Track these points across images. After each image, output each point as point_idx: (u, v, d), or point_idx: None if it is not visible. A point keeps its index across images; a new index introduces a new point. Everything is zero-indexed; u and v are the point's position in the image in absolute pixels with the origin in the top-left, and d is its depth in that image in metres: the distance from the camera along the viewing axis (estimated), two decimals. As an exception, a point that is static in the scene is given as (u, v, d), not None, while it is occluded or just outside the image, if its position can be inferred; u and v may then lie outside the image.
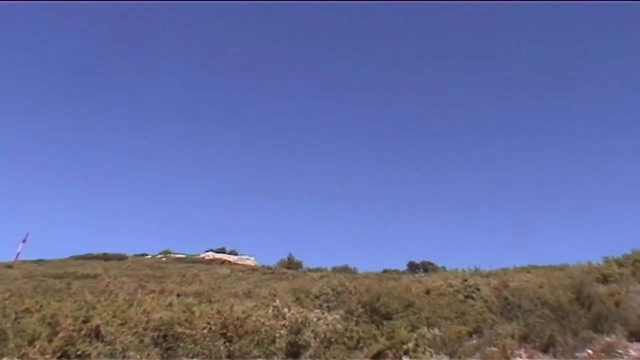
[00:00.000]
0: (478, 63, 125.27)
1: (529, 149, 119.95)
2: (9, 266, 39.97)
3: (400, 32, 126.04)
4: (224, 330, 12.21)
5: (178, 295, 18.76)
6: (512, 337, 12.25)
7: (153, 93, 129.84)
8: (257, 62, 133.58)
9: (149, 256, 54.37)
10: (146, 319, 11.95)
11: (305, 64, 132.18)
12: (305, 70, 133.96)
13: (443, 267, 40.34)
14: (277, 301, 14.89)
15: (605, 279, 18.12)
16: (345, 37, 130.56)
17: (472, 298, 17.61)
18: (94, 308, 11.92)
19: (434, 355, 12.10)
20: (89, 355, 10.35)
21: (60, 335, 10.48)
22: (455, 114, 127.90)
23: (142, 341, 11.28)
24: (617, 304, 13.73)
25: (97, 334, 10.88)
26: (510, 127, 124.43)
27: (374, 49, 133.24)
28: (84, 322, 11.00)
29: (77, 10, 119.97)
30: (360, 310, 14.92)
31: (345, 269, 43.36)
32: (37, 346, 10.08)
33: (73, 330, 10.64)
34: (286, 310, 13.80)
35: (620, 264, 19.82)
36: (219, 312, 12.80)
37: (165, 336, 11.64)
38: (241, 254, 56.73)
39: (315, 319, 13.53)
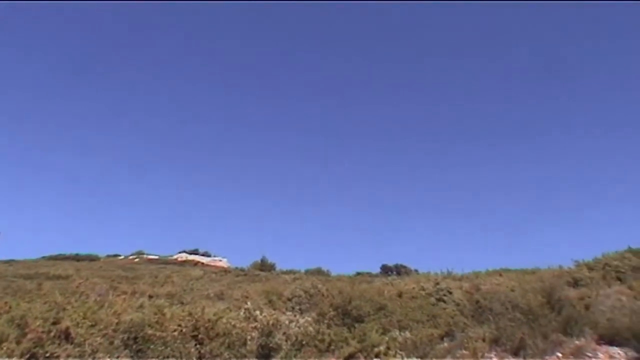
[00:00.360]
0: (477, 63, 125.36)
1: (516, 151, 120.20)
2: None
3: (400, 32, 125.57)
4: (195, 333, 12.14)
5: (150, 296, 18.63)
6: (483, 340, 12.37)
7: (145, 93, 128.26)
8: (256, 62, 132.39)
9: (122, 257, 53.85)
10: (117, 320, 11.84)
11: (305, 64, 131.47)
12: (297, 70, 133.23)
13: (416, 270, 40.39)
14: (249, 303, 14.84)
15: (575, 283, 18.34)
16: (345, 37, 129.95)
17: (444, 301, 17.67)
18: (64, 309, 11.79)
19: (405, 358, 12.15)
20: (57, 357, 10.24)
21: (29, 336, 10.36)
22: (452, 114, 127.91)
23: (112, 343, 11.17)
24: (587, 308, 13.92)
25: (66, 336, 10.76)
26: (508, 128, 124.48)
27: (374, 49, 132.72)
28: (54, 323, 10.88)
29: (77, 10, 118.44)
30: (332, 313, 14.91)
31: (318, 272, 43.31)
32: (5, 348, 9.98)
33: (42, 332, 10.52)
34: (258, 312, 13.77)
35: (590, 267, 20.04)
36: (190, 314, 12.72)
37: (135, 338, 11.54)
38: (214, 256, 56.37)
39: (287, 322, 13.52)
